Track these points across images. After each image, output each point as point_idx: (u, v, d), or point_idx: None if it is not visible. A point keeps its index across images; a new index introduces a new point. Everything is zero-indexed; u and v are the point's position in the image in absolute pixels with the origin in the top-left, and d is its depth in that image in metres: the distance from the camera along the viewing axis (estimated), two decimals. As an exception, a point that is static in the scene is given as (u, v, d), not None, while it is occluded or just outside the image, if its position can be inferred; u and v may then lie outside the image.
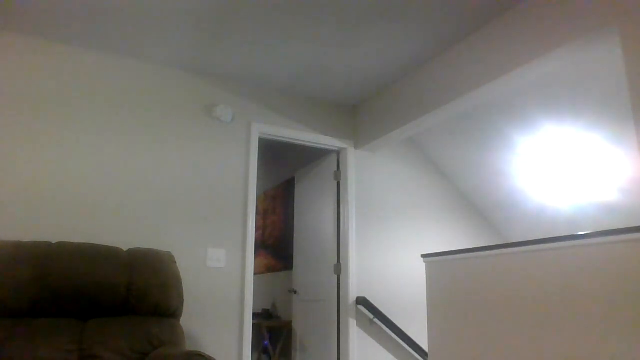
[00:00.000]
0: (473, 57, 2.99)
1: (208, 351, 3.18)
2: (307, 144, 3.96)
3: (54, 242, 2.74)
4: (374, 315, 3.75)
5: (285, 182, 5.41)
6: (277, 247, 5.39)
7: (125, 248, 3.02)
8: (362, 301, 3.72)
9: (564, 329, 2.04)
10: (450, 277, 2.70)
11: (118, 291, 2.49)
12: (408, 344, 3.81)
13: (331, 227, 4.04)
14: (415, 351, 3.83)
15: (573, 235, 2.06)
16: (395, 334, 3.79)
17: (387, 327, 3.78)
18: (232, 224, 3.44)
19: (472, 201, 4.58)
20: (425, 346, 3.82)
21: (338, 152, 4.12)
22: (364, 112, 4.07)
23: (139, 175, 3.21)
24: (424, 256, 2.94)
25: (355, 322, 3.71)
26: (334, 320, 3.81)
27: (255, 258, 4.38)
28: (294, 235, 4.64)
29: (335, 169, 4.10)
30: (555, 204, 3.93)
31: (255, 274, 5.51)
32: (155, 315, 2.57)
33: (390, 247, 4.02)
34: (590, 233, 2.00)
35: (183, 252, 3.23)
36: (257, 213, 5.82)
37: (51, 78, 3.09)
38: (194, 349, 2.69)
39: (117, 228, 3.08)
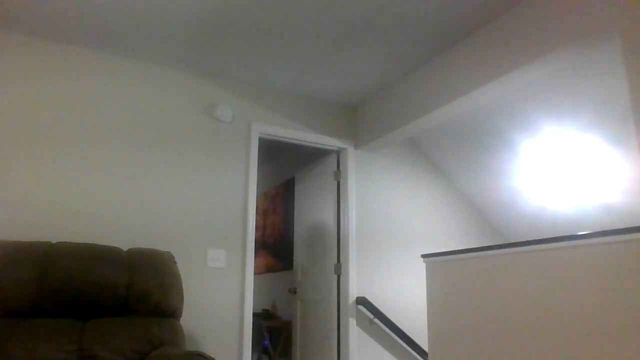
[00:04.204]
0: (473, 57, 2.99)
1: (208, 351, 3.18)
2: (307, 144, 3.96)
3: (54, 242, 2.74)
4: (374, 315, 3.75)
5: (285, 182, 5.41)
6: (277, 247, 5.39)
7: (125, 248, 3.02)
8: (362, 301, 3.72)
9: (564, 329, 2.04)
10: (450, 277, 2.70)
11: (118, 291, 2.49)
12: (408, 344, 3.81)
13: (331, 227, 4.04)
14: (415, 351, 3.83)
15: (573, 235, 2.06)
16: (395, 334, 3.79)
17: (387, 327, 3.79)
18: (232, 224, 3.44)
19: (472, 201, 4.58)
20: (425, 346, 3.81)
21: (338, 152, 4.12)
22: (364, 112, 4.07)
23: (138, 174, 3.21)
24: (424, 256, 2.94)
25: (355, 322, 3.71)
26: (334, 320, 3.81)
27: (255, 258, 4.38)
28: (294, 235, 4.64)
29: (335, 169, 4.10)
30: (555, 204, 3.93)
31: (255, 274, 5.51)
32: (155, 315, 2.57)
33: (390, 247, 4.02)
34: (590, 233, 2.00)
35: (183, 252, 3.23)
36: (257, 213, 5.83)
37: (51, 78, 3.09)
38: (194, 349, 2.69)
39: (117, 228, 3.08)
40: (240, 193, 3.52)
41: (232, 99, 3.65)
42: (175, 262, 2.80)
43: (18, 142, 2.93)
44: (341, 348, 3.72)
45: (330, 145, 4.03)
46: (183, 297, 2.71)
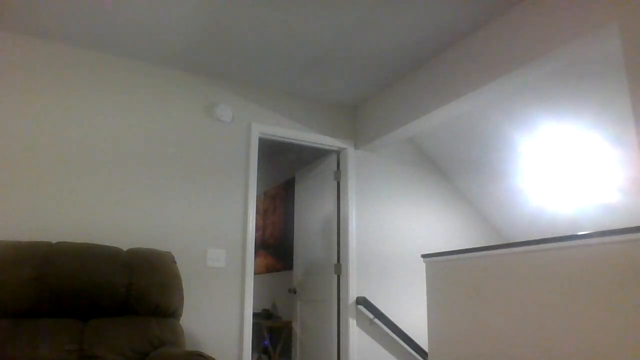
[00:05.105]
0: (473, 57, 2.99)
1: (208, 351, 3.18)
2: (307, 144, 3.96)
3: (54, 242, 2.74)
4: (374, 315, 3.75)
5: (285, 182, 5.41)
6: (277, 247, 5.39)
7: (125, 248, 3.02)
8: (362, 301, 3.72)
9: (564, 329, 2.04)
10: (450, 277, 2.70)
11: (118, 291, 2.49)
12: (408, 344, 3.81)
13: (331, 227, 4.04)
14: (415, 351, 3.83)
15: (573, 235, 2.06)
16: (395, 334, 3.79)
17: (387, 327, 3.79)
18: (232, 224, 3.44)
19: (472, 201, 4.58)
20: (425, 346, 3.82)
21: (338, 152, 4.12)
22: (364, 112, 4.07)
23: (139, 175, 3.21)
24: (424, 256, 2.94)
25: (355, 322, 3.71)
26: (334, 320, 3.82)
27: (255, 258, 4.38)
28: (294, 235, 4.64)
29: (335, 169, 4.10)
30: (555, 203, 3.93)
31: (255, 274, 5.51)
32: (155, 315, 2.57)
33: (391, 247, 4.02)
34: (590, 233, 2.00)
35: (183, 252, 3.23)
36: (257, 213, 5.83)
37: (51, 78, 3.09)
38: (194, 349, 2.69)
39: (117, 228, 3.08)
40: (240, 193, 3.52)
41: (232, 99, 3.65)
42: (175, 262, 2.80)
43: (18, 142, 2.93)
44: (341, 348, 3.72)
45: (330, 145, 4.03)
46: (183, 297, 2.71)
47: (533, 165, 3.85)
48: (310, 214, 4.39)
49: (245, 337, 3.31)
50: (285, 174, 5.49)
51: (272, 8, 2.75)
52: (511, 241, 4.44)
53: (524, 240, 2.93)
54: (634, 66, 2.11)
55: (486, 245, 3.62)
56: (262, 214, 5.97)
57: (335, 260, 3.93)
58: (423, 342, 3.83)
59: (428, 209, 4.33)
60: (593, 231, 1.99)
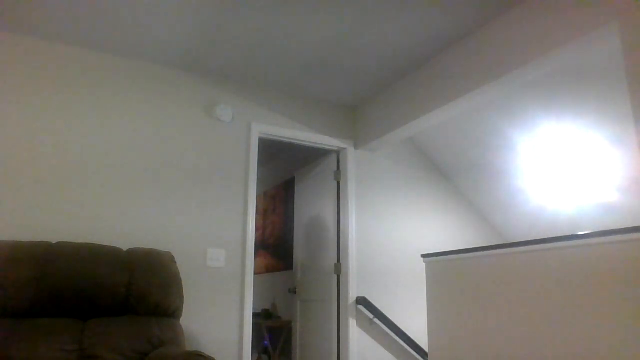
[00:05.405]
0: (473, 57, 2.99)
1: (208, 351, 3.18)
2: (307, 144, 3.96)
3: (54, 242, 2.74)
4: (374, 315, 3.75)
5: (285, 182, 5.41)
6: (277, 247, 5.39)
7: (125, 248, 3.02)
8: (362, 301, 3.72)
9: (564, 330, 2.04)
10: (450, 277, 2.71)
11: (118, 291, 2.49)
12: (408, 344, 3.81)
13: (331, 227, 4.04)
14: (415, 351, 3.83)
15: (573, 235, 2.06)
16: (395, 334, 3.79)
17: (387, 327, 3.78)
18: (232, 224, 3.44)
19: (472, 201, 4.58)
20: (425, 346, 3.82)
21: (338, 152, 4.12)
22: (364, 112, 4.07)
23: (138, 175, 3.21)
24: (424, 256, 2.94)
25: (355, 322, 3.71)
26: (334, 320, 3.81)
27: (255, 258, 4.38)
28: (294, 235, 4.64)
29: (335, 169, 4.10)
30: (555, 203, 3.93)
31: (255, 274, 5.51)
32: (155, 315, 2.57)
33: (391, 247, 4.02)
34: (590, 233, 2.00)
35: (183, 252, 3.23)
36: (257, 213, 5.83)
37: (51, 78, 3.09)
38: (194, 349, 2.69)
39: (117, 228, 3.08)
40: (240, 193, 3.52)
41: (232, 99, 3.65)
42: (175, 262, 2.80)
43: (18, 142, 2.93)
44: (341, 348, 3.72)
45: (330, 145, 4.03)
46: (183, 297, 2.71)
47: (533, 165, 3.85)
48: (310, 214, 4.39)
49: (245, 337, 3.31)
50: (285, 174, 5.49)
51: (272, 9, 2.75)
52: (511, 241, 4.44)
53: (524, 240, 2.92)
54: (634, 66, 2.11)
55: (486, 245, 3.62)
56: (262, 214, 5.97)
57: (335, 260, 3.93)
58: (423, 342, 3.82)
59: (428, 209, 4.33)
60: (593, 231, 1.99)
